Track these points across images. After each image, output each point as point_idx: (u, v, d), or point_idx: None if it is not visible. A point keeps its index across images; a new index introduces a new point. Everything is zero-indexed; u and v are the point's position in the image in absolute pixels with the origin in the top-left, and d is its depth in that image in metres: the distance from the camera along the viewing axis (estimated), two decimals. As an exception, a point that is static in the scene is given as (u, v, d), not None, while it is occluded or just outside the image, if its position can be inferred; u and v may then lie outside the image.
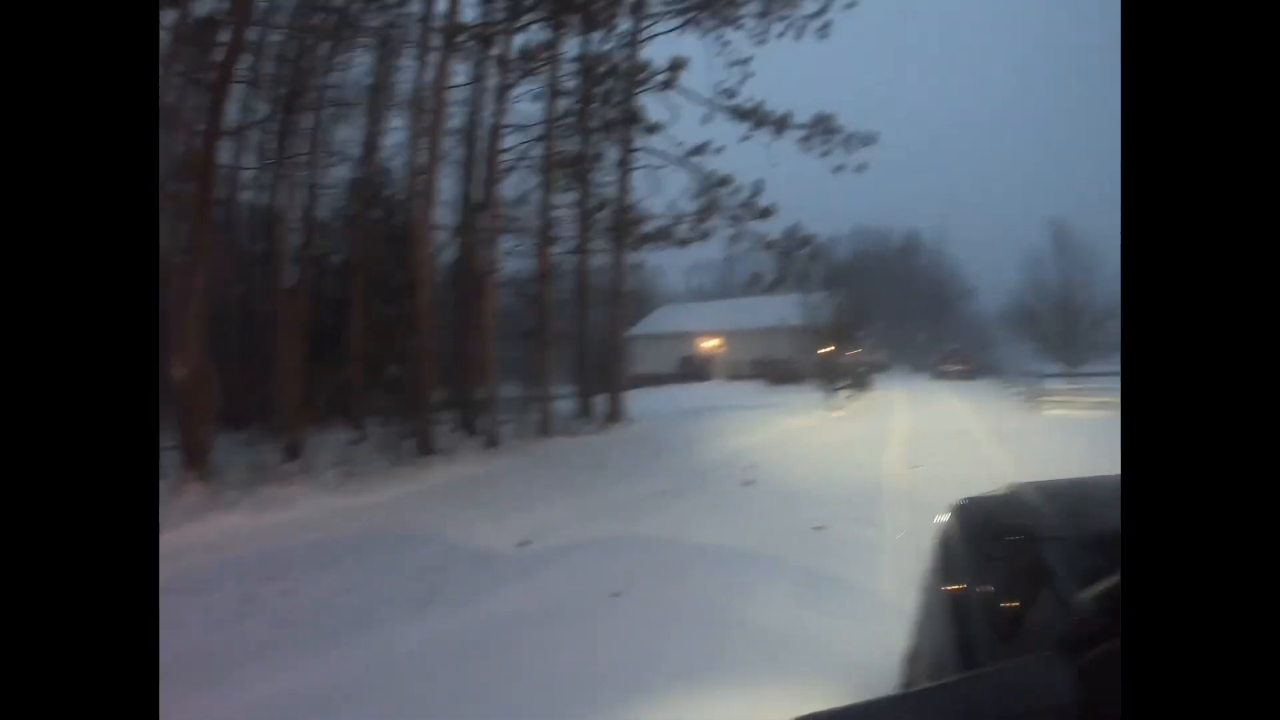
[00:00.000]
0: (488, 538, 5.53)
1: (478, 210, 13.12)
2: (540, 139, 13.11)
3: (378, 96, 13.37)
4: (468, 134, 14.28)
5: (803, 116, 12.96)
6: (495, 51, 11.96)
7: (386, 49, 13.14)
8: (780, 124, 12.95)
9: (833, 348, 22.45)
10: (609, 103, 12.84)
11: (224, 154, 12.10)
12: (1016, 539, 1.54)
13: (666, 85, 12.71)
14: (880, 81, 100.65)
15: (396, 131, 13.96)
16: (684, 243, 13.19)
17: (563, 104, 13.23)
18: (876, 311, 31.06)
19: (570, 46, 13.00)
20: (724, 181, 12.93)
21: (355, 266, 12.40)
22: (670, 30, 13.90)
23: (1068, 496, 1.72)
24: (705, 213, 12.99)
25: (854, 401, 18.96)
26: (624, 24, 13.33)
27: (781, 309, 25.84)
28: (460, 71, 12.59)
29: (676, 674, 2.97)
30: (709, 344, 36.09)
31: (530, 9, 11.51)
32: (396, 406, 11.82)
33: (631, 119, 13.06)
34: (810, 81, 34.27)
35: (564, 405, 14.83)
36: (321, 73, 12.24)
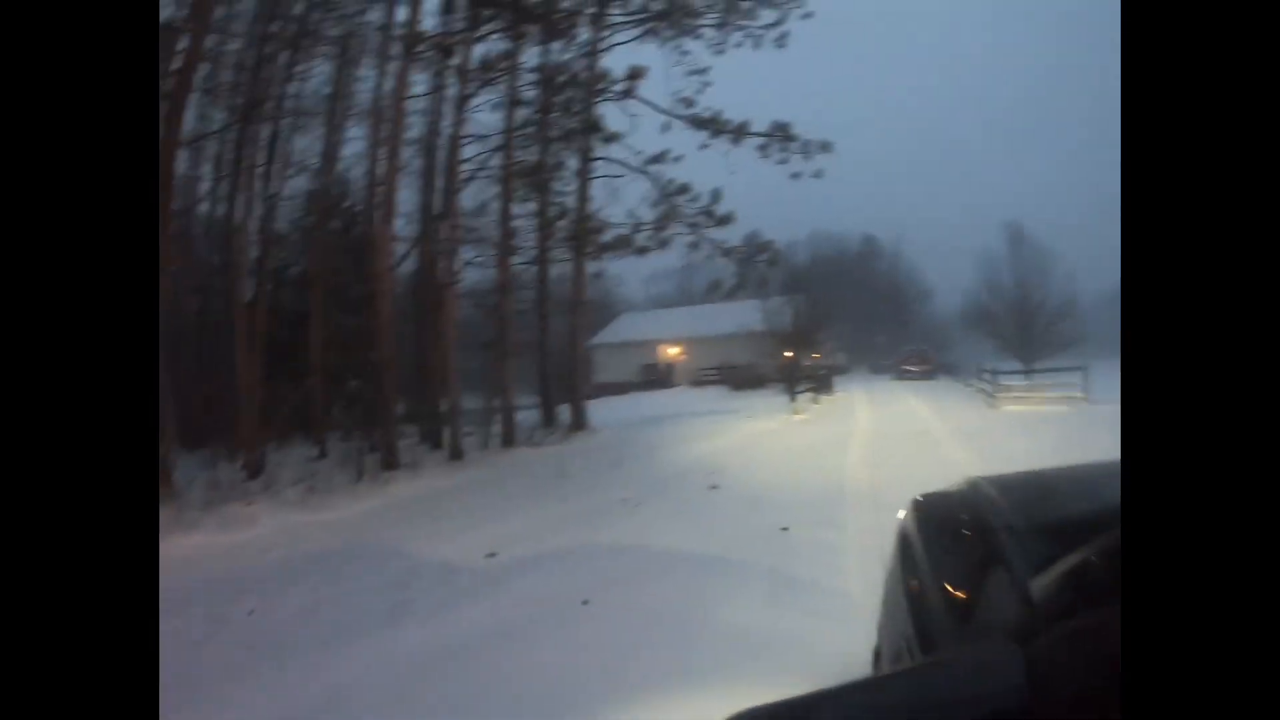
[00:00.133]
0: (455, 550, 5.54)
1: (438, 221, 13.05)
2: (500, 149, 13.11)
3: (337, 106, 13.26)
4: (427, 144, 14.25)
5: (760, 125, 13.10)
6: (455, 61, 11.95)
7: (346, 58, 13.08)
8: (738, 132, 13.06)
9: (793, 352, 22.67)
10: (568, 112, 12.91)
11: (181, 164, 11.89)
12: (972, 531, 1.56)
13: (625, 94, 12.82)
14: (837, 90, 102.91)
15: (356, 141, 13.88)
16: (643, 251, 13.23)
17: (522, 114, 13.28)
18: (836, 315, 31.37)
19: (530, 56, 13.04)
20: (683, 189, 13.05)
21: (314, 278, 12.28)
22: (629, 40, 14.04)
23: (1022, 489, 1.74)
24: (664, 221, 13.07)
25: (816, 404, 19.18)
26: (583, 34, 13.37)
27: (742, 315, 26.13)
28: (420, 81, 12.59)
29: (648, 677, 3.03)
30: (670, 351, 36.33)
31: (490, 19, 11.53)
32: (358, 420, 11.70)
33: (591, 128, 13.13)
34: (768, 90, 34.97)
35: (527, 416, 14.82)
36: (280, 82, 12.11)
